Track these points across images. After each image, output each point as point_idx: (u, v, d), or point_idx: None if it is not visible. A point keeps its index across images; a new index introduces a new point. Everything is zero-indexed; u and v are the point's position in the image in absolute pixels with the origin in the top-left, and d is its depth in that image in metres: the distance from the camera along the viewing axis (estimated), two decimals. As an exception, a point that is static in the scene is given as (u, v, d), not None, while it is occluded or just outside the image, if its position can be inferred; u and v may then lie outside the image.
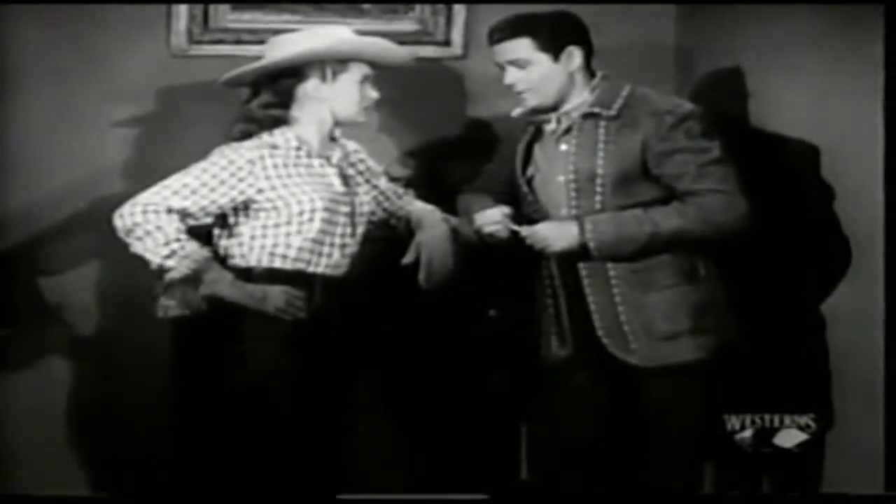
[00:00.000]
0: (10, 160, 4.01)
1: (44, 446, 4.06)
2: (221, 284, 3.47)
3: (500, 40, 3.60)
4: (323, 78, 3.57)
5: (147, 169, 3.85)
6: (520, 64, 3.59)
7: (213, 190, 3.49)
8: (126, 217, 3.46)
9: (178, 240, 3.44)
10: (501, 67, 3.62)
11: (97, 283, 4.08)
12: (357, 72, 3.59)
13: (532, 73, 3.59)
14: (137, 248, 3.46)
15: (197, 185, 3.48)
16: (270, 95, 3.58)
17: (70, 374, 4.09)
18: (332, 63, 3.57)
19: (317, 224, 3.52)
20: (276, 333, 3.47)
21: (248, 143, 3.55)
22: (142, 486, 4.05)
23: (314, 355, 3.52)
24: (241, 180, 3.50)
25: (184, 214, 3.47)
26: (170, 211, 3.45)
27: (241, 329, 3.48)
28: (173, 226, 3.45)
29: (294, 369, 3.49)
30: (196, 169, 3.51)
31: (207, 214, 3.51)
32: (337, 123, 3.63)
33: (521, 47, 3.58)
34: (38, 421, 4.06)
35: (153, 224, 3.44)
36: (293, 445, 3.52)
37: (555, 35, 3.58)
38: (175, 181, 3.48)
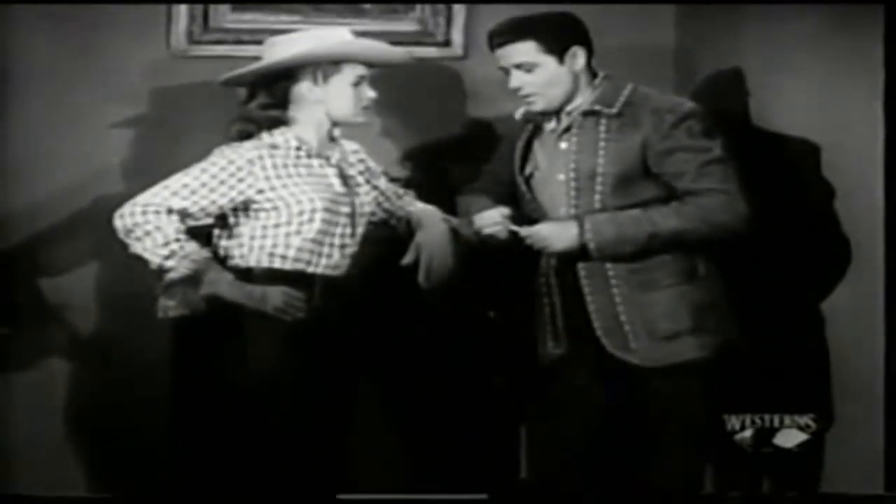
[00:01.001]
0: (10, 160, 4.01)
1: (44, 446, 4.06)
2: (221, 285, 3.47)
3: (502, 44, 3.57)
4: (315, 80, 3.56)
5: (147, 169, 3.85)
6: (526, 67, 3.56)
7: (212, 190, 3.48)
8: (126, 217, 3.46)
9: (177, 240, 3.44)
10: (506, 71, 3.59)
11: (97, 282, 4.08)
12: (350, 73, 3.58)
13: (539, 77, 3.57)
14: (137, 248, 3.46)
15: (196, 186, 3.48)
16: (267, 96, 3.58)
17: (70, 374, 4.09)
18: (324, 65, 3.56)
19: (316, 224, 3.52)
20: (276, 333, 3.47)
21: (247, 144, 3.55)
22: (142, 486, 4.05)
23: (314, 355, 3.52)
24: (240, 180, 3.50)
25: (183, 215, 3.47)
26: (169, 211, 3.45)
27: (241, 329, 3.48)
28: (173, 226, 3.45)
29: (294, 369, 3.49)
30: (196, 169, 3.51)
31: (207, 215, 3.51)
32: (335, 124, 3.62)
33: (526, 50, 3.55)
34: (38, 421, 4.06)
35: (153, 224, 3.44)
36: (293, 445, 3.51)
37: (558, 36, 3.56)
38: (175, 182, 3.48)
